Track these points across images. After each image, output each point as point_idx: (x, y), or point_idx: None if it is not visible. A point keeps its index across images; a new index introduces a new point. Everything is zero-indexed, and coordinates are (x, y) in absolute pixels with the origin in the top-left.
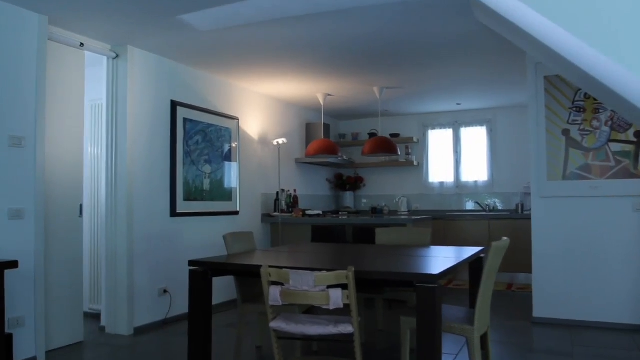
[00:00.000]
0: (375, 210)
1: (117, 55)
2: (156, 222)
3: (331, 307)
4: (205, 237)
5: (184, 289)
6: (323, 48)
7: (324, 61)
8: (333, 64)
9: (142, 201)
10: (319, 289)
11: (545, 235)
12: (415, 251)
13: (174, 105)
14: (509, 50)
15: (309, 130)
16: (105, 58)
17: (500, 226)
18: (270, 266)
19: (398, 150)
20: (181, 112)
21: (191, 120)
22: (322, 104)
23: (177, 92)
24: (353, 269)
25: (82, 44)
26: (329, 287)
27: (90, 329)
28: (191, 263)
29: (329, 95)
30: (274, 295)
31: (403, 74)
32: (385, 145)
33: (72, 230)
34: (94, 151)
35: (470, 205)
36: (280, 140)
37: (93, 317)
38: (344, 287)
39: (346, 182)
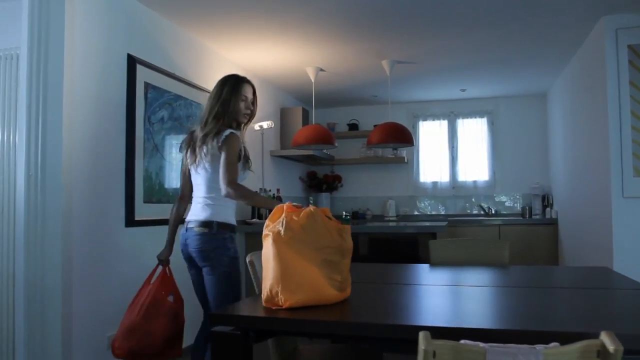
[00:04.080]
0: (357, 215)
1: None
2: (105, 235)
3: None
4: (176, 253)
5: None
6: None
7: (321, 20)
8: (333, 25)
9: (84, 206)
10: None
11: (630, 246)
12: (548, 278)
13: (132, 62)
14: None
15: (283, 116)
16: None
17: (514, 233)
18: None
19: (414, 140)
20: (142, 74)
21: (155, 87)
22: (312, 81)
23: (137, 45)
24: (613, 335)
25: None
26: None
27: None
28: (216, 319)
29: (321, 70)
30: None
31: (420, 43)
32: (399, 134)
33: None
34: (0, 134)
35: (469, 209)
36: (265, 124)
37: None
38: None
39: (322, 182)
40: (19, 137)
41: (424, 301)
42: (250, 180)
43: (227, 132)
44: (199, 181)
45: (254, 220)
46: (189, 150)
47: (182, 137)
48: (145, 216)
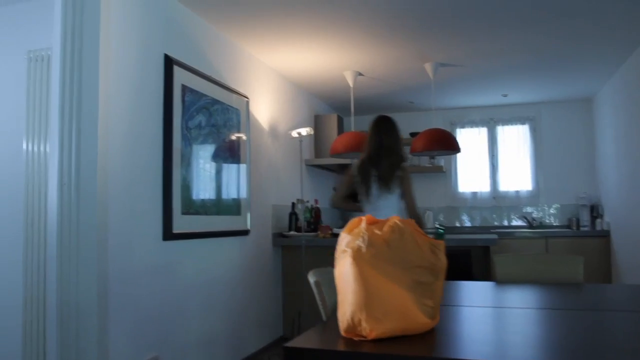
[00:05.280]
0: None
1: None
2: (142, 250)
3: None
4: (212, 269)
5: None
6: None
7: (361, 21)
8: (374, 26)
9: (120, 218)
10: None
11: None
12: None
13: (169, 62)
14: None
15: (318, 124)
16: None
17: (561, 246)
18: None
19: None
20: (179, 76)
21: (192, 91)
22: (351, 86)
23: (174, 45)
24: None
25: None
26: None
27: None
28: (290, 352)
29: (359, 74)
30: None
31: (464, 44)
32: (445, 140)
33: None
34: (31, 142)
35: (512, 220)
36: (304, 131)
37: None
38: None
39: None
40: (50, 145)
41: (521, 328)
42: (288, 191)
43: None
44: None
45: (291, 232)
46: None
47: (219, 145)
48: (183, 229)
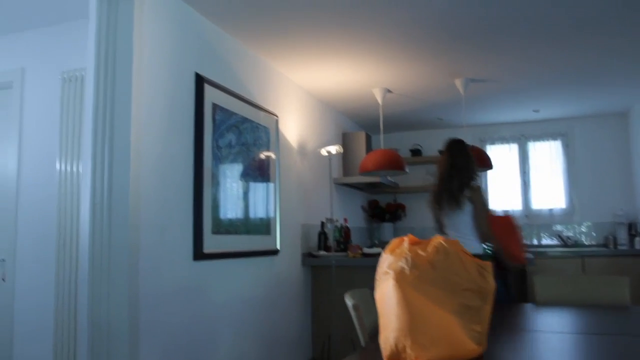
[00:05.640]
0: None
1: None
2: (173, 270)
3: None
4: (242, 290)
5: None
6: (394, 17)
7: (391, 37)
8: (404, 42)
9: (151, 238)
10: None
11: None
12: None
13: (200, 81)
14: None
15: (346, 142)
16: None
17: (599, 266)
18: None
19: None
20: (210, 94)
21: (223, 109)
22: (380, 103)
23: (204, 63)
24: None
25: None
26: None
27: None
28: None
29: (388, 91)
30: None
31: (496, 59)
32: (478, 157)
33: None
34: (64, 162)
35: (545, 238)
36: (333, 149)
37: None
38: None
39: (385, 211)
40: (83, 164)
41: (568, 355)
42: (317, 210)
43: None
44: None
45: (320, 252)
46: None
47: (248, 163)
48: (213, 249)
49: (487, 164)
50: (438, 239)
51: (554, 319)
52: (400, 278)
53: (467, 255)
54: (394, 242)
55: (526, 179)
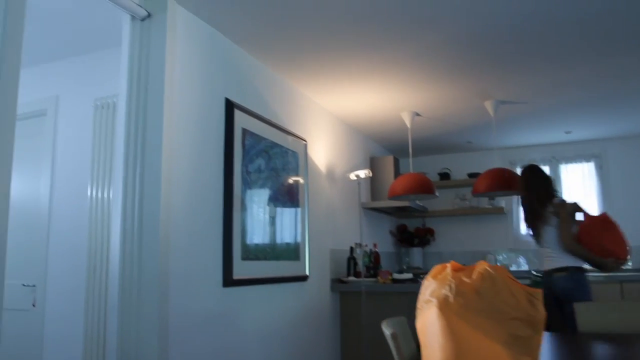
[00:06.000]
0: None
1: (149, 15)
2: (203, 297)
3: None
4: (271, 316)
5: None
6: (422, 40)
7: (419, 60)
8: (433, 64)
9: (181, 264)
10: None
11: None
12: None
13: (230, 106)
14: None
15: (374, 166)
16: (128, 18)
17: (638, 290)
18: None
19: None
20: (240, 119)
21: (252, 134)
22: (409, 126)
23: (234, 88)
24: None
25: None
26: None
27: None
28: None
29: (417, 115)
30: None
31: (527, 80)
32: (510, 181)
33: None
34: (95, 189)
35: (580, 263)
36: (362, 173)
37: None
38: None
39: (414, 236)
40: (114, 190)
41: None
42: (346, 235)
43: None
44: None
45: (350, 278)
46: None
47: (277, 188)
48: (243, 275)
49: (517, 186)
50: (483, 265)
51: (601, 349)
52: (444, 306)
53: (515, 282)
54: (436, 268)
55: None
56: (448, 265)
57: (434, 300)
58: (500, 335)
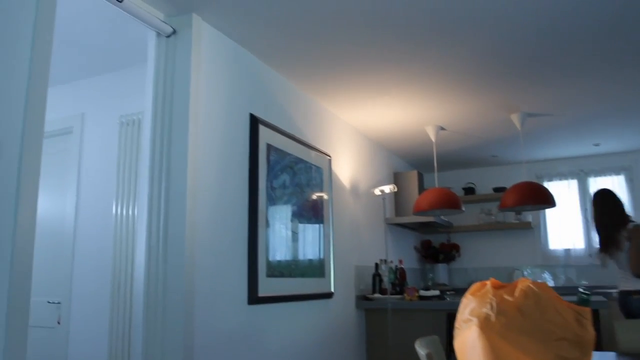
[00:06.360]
0: None
1: (175, 31)
2: (228, 315)
3: None
4: (296, 335)
5: None
6: (446, 53)
7: (443, 72)
8: (457, 77)
9: (206, 282)
10: None
11: None
12: None
13: (255, 122)
14: None
15: (397, 181)
16: (153, 34)
17: None
18: None
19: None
20: (264, 135)
21: (277, 149)
22: (433, 141)
23: (258, 104)
24: None
25: None
26: None
27: None
28: None
29: (441, 129)
30: None
31: (555, 91)
32: (539, 194)
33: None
34: (120, 206)
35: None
36: (387, 188)
37: None
38: None
39: (439, 251)
40: (139, 207)
41: None
42: (370, 251)
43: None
44: None
45: (375, 295)
46: None
47: (302, 204)
48: (268, 292)
49: (549, 201)
50: (526, 282)
51: None
52: (485, 326)
53: (561, 301)
54: (475, 286)
55: (588, 216)
56: (488, 282)
57: (474, 320)
58: (546, 357)
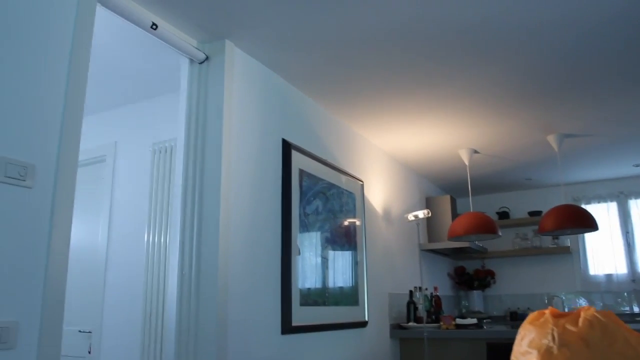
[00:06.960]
0: (516, 316)
1: (207, 58)
2: (261, 345)
3: None
4: None
5: None
6: (478, 74)
7: (476, 94)
8: (490, 98)
9: (239, 312)
10: None
11: None
12: None
13: (287, 147)
14: None
15: (429, 206)
16: (186, 61)
17: None
18: None
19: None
20: (297, 160)
21: (309, 175)
22: (467, 164)
23: (290, 129)
24: None
25: (154, 25)
26: None
27: None
28: None
29: (475, 152)
30: None
31: (591, 110)
32: (579, 218)
33: None
34: (153, 234)
35: None
36: (421, 214)
37: None
38: None
39: (473, 278)
40: (172, 235)
41: None
42: (404, 278)
43: None
44: None
45: (410, 323)
46: None
47: (335, 230)
48: (302, 321)
49: (591, 224)
50: (590, 311)
51: None
52: (547, 359)
53: (631, 331)
54: (533, 315)
55: (630, 240)
56: (546, 311)
57: (534, 352)
58: None
